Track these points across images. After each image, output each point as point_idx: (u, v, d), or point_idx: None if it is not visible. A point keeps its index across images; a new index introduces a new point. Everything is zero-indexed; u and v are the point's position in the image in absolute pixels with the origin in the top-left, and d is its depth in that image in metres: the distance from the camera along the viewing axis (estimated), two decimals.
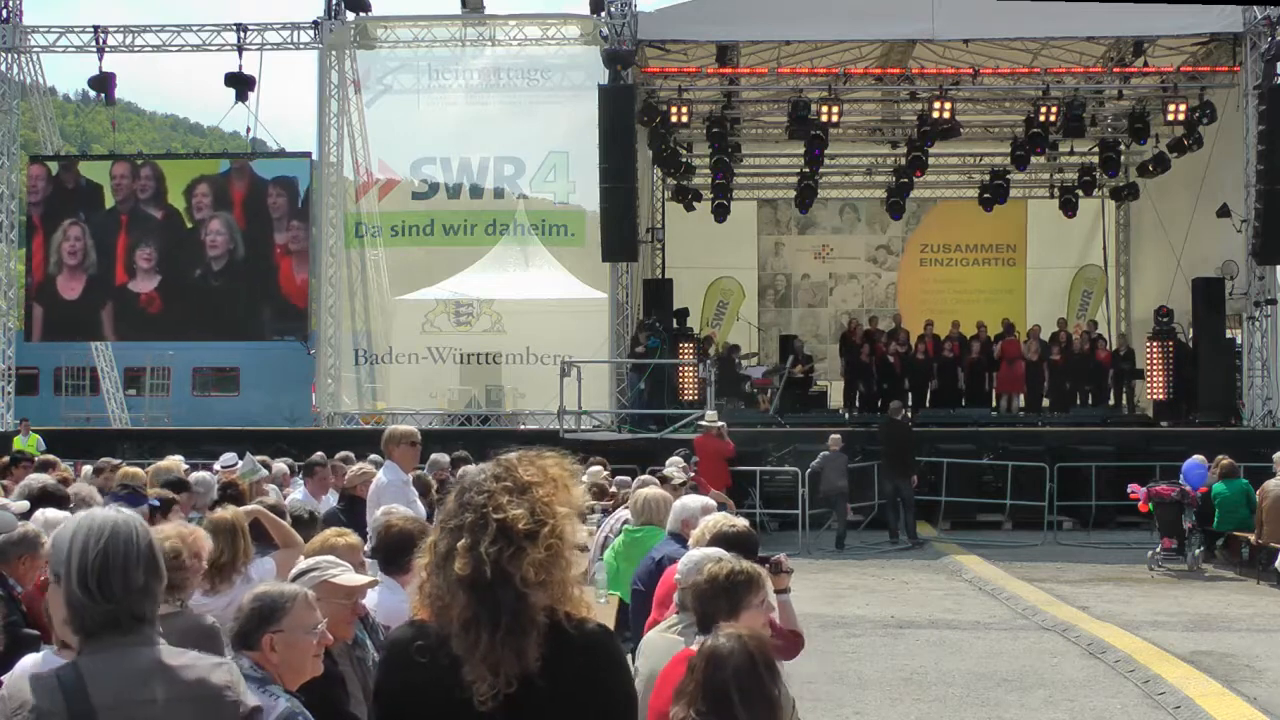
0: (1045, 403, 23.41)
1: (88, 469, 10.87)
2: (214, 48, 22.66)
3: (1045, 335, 23.61)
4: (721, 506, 6.95)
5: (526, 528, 2.58)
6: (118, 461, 11.67)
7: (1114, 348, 24.17)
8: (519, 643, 2.53)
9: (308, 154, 23.73)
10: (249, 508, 5.91)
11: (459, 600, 2.56)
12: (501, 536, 2.57)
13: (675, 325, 22.59)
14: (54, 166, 23.48)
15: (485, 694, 2.52)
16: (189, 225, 22.74)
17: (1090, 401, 23.43)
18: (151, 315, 22.93)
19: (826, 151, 23.88)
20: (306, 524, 6.28)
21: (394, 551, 4.99)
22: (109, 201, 22.94)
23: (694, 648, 3.85)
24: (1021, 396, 23.38)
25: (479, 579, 2.55)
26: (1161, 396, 22.47)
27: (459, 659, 2.54)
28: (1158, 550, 14.79)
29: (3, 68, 23.32)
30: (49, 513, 5.46)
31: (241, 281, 22.68)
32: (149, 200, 22.83)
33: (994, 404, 23.32)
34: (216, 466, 10.20)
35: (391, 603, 4.69)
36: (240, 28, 22.40)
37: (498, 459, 2.71)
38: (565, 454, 2.76)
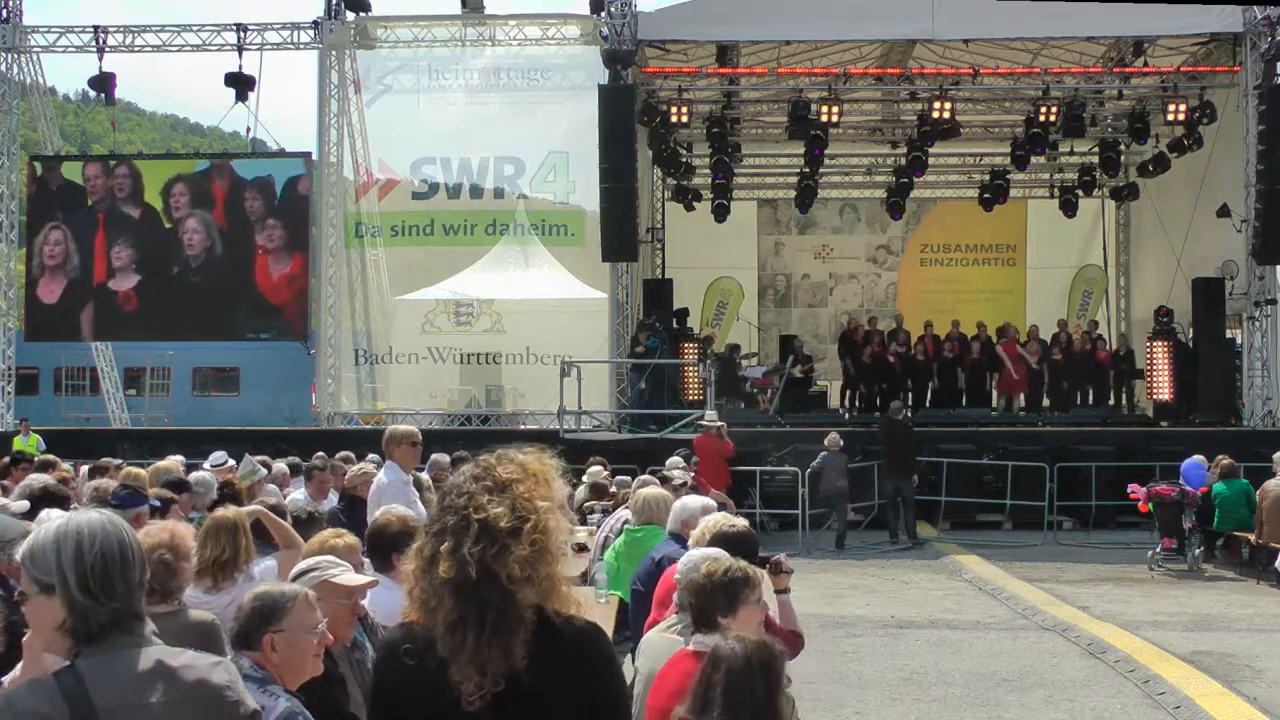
0: (1045, 403, 23.41)
1: (85, 469, 10.83)
2: (214, 48, 22.67)
3: (1045, 335, 23.61)
4: (721, 506, 6.95)
5: (509, 525, 2.58)
6: (118, 462, 11.66)
7: (1114, 348, 24.17)
8: (506, 641, 2.53)
9: (306, 154, 23.73)
10: (251, 508, 5.91)
11: (445, 603, 2.57)
12: (484, 536, 2.57)
13: (675, 325, 22.58)
14: (39, 167, 23.58)
15: (472, 693, 2.52)
16: (167, 225, 22.78)
17: (1091, 402, 23.42)
18: (128, 313, 22.95)
19: (826, 151, 23.87)
20: (306, 523, 6.28)
21: (376, 550, 4.98)
22: (89, 201, 23.01)
23: (692, 647, 3.86)
24: (1022, 396, 23.39)
25: (464, 580, 2.55)
26: (1167, 397, 22.42)
27: (447, 660, 2.55)
28: (1158, 550, 14.79)
29: (3, 68, 23.34)
30: (54, 514, 5.45)
31: (219, 280, 22.69)
32: (126, 199, 22.86)
33: (994, 404, 23.31)
34: (206, 465, 10.17)
35: (389, 602, 4.69)
36: (240, 28, 22.40)
37: (476, 459, 2.71)
38: (544, 448, 2.76)
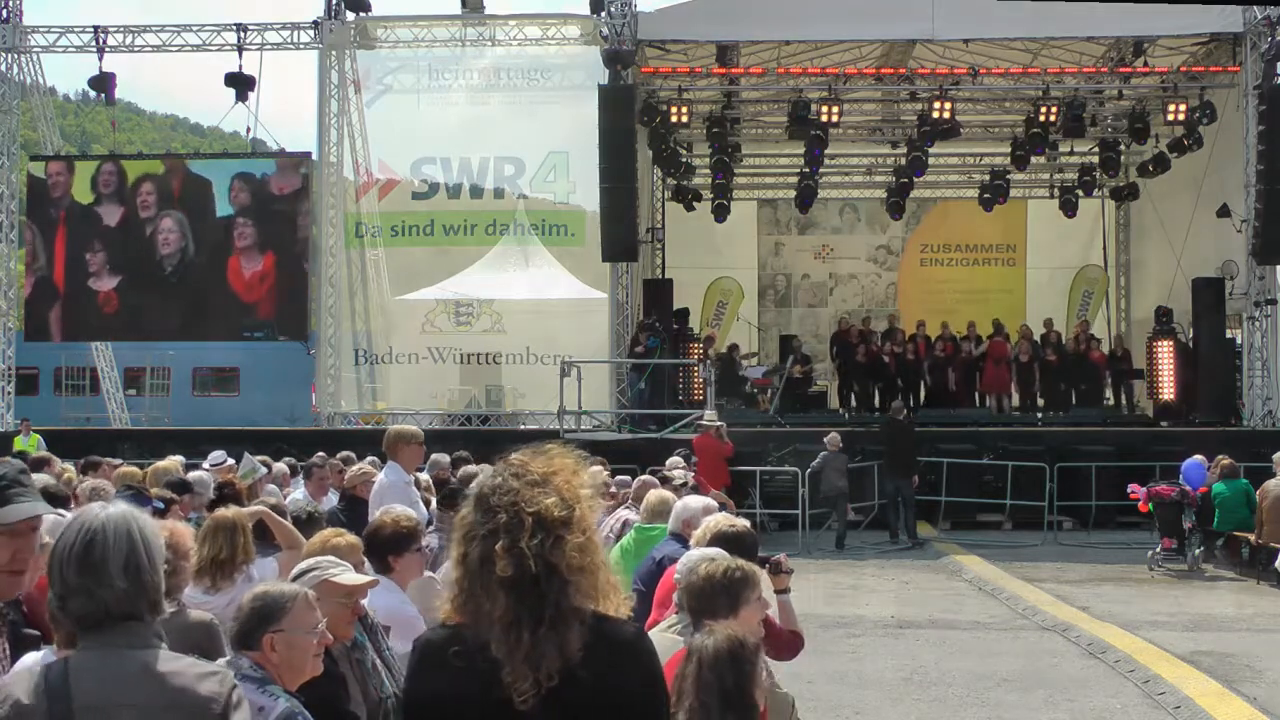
0: (1040, 402, 23.38)
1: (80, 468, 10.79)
2: (214, 48, 22.68)
3: (1036, 336, 23.56)
4: (722, 507, 6.95)
5: (561, 515, 2.60)
6: (117, 462, 11.63)
7: (1109, 348, 24.13)
8: (562, 635, 2.53)
9: (305, 154, 23.74)
10: (253, 508, 5.90)
11: (499, 604, 2.55)
12: (539, 529, 2.57)
13: (675, 325, 22.59)
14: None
15: (525, 692, 2.50)
16: (139, 223, 22.77)
17: (1087, 402, 23.38)
18: (107, 315, 22.94)
19: (826, 151, 23.87)
20: (306, 523, 6.28)
21: (373, 551, 4.99)
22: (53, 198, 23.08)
23: None
24: (1015, 396, 23.36)
25: (524, 575, 2.54)
26: (1172, 397, 22.31)
27: (498, 661, 2.53)
28: (1158, 550, 14.80)
29: (3, 68, 23.34)
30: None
31: (194, 279, 22.67)
32: (111, 197, 22.82)
33: (982, 404, 23.29)
34: (206, 465, 10.16)
35: (389, 602, 4.69)
36: (240, 28, 22.40)
37: (507, 460, 2.71)
38: (564, 442, 2.79)
